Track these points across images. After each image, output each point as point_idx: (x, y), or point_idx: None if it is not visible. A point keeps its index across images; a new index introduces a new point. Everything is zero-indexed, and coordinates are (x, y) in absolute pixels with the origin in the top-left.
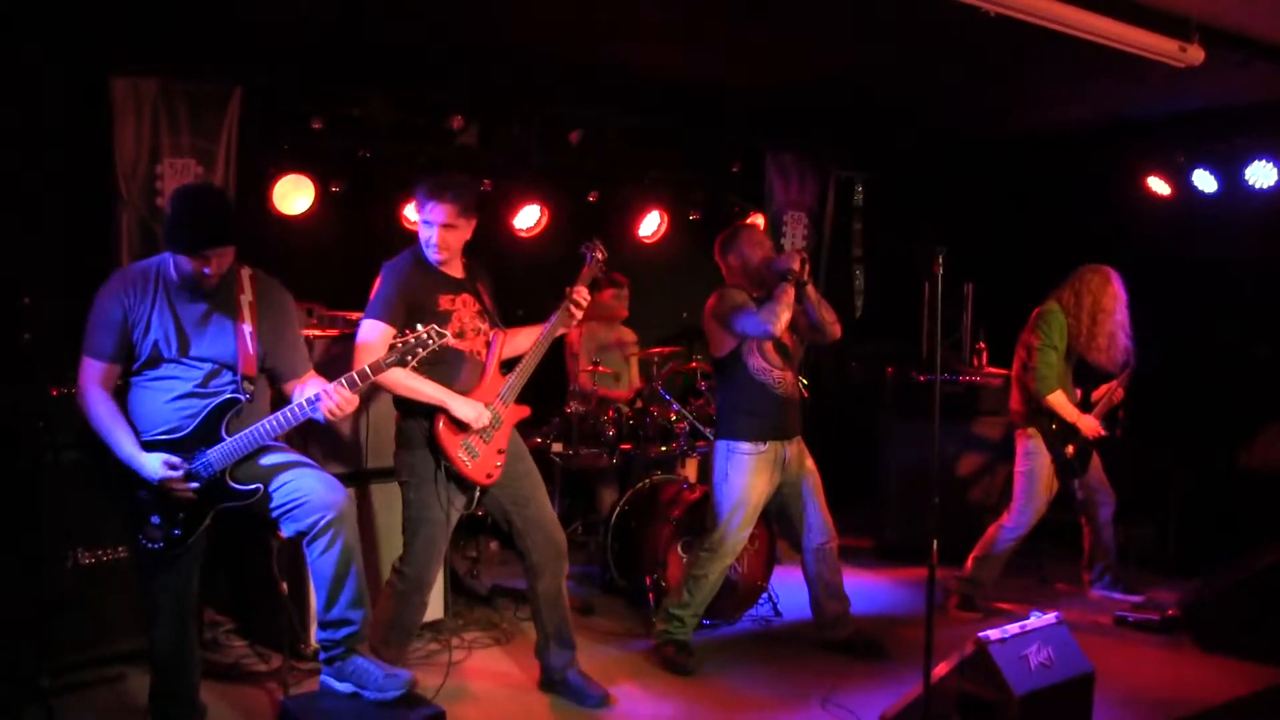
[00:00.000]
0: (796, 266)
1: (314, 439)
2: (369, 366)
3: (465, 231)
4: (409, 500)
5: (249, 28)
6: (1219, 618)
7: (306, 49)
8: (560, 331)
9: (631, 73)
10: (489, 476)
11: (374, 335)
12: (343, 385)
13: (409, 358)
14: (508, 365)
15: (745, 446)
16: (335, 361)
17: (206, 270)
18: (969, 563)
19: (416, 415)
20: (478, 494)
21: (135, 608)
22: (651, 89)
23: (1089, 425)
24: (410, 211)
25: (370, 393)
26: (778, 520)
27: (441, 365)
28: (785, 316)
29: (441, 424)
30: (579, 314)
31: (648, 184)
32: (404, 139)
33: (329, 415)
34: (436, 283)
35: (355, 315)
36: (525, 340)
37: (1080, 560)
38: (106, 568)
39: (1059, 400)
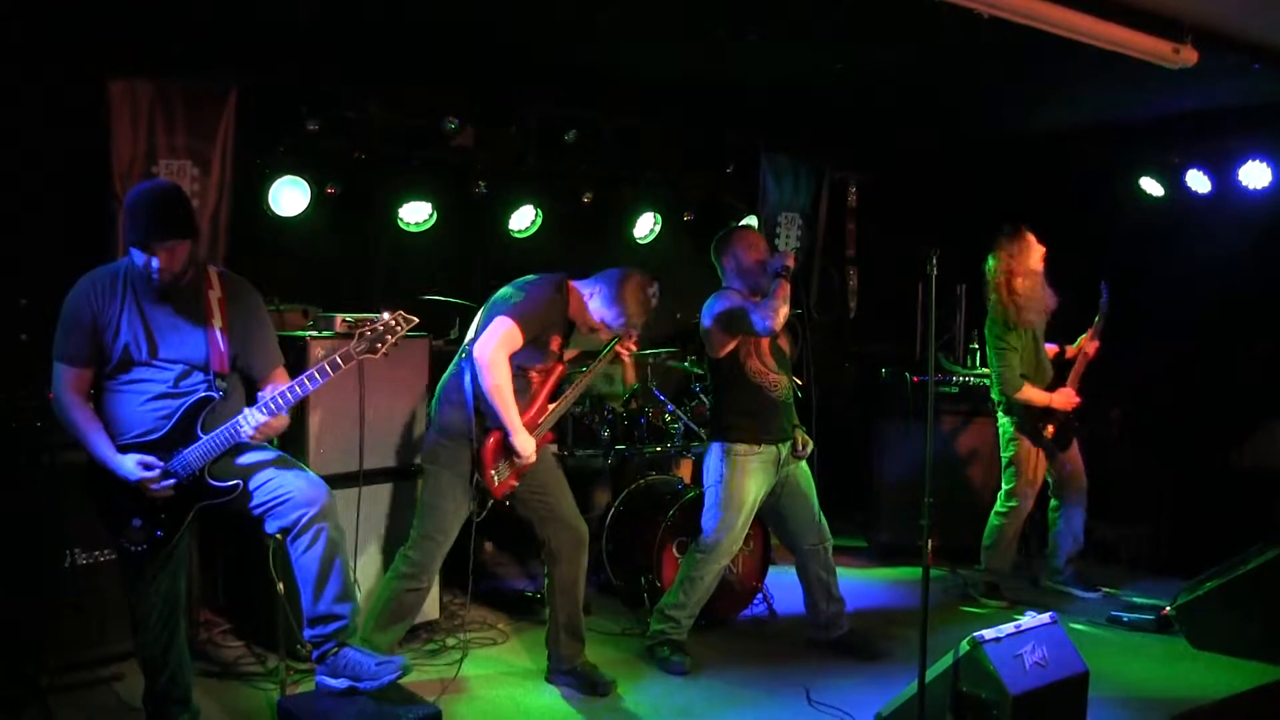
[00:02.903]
0: (791, 264)
1: (319, 439)
2: (339, 355)
3: None
4: (427, 486)
5: (245, 29)
6: (1212, 616)
7: (302, 50)
8: (599, 368)
9: (627, 74)
10: (505, 494)
11: (507, 334)
12: (325, 369)
13: (378, 345)
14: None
15: (741, 449)
16: None
17: (155, 263)
18: (981, 558)
19: (463, 413)
20: (489, 506)
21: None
22: (646, 90)
23: (1062, 401)
24: (407, 213)
25: (372, 392)
26: (772, 521)
27: (514, 387)
28: (783, 312)
29: (493, 441)
30: (624, 358)
31: (642, 185)
32: (399, 140)
33: (256, 437)
34: (562, 321)
35: (351, 317)
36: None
37: (1044, 548)
38: (104, 568)
39: (1030, 393)
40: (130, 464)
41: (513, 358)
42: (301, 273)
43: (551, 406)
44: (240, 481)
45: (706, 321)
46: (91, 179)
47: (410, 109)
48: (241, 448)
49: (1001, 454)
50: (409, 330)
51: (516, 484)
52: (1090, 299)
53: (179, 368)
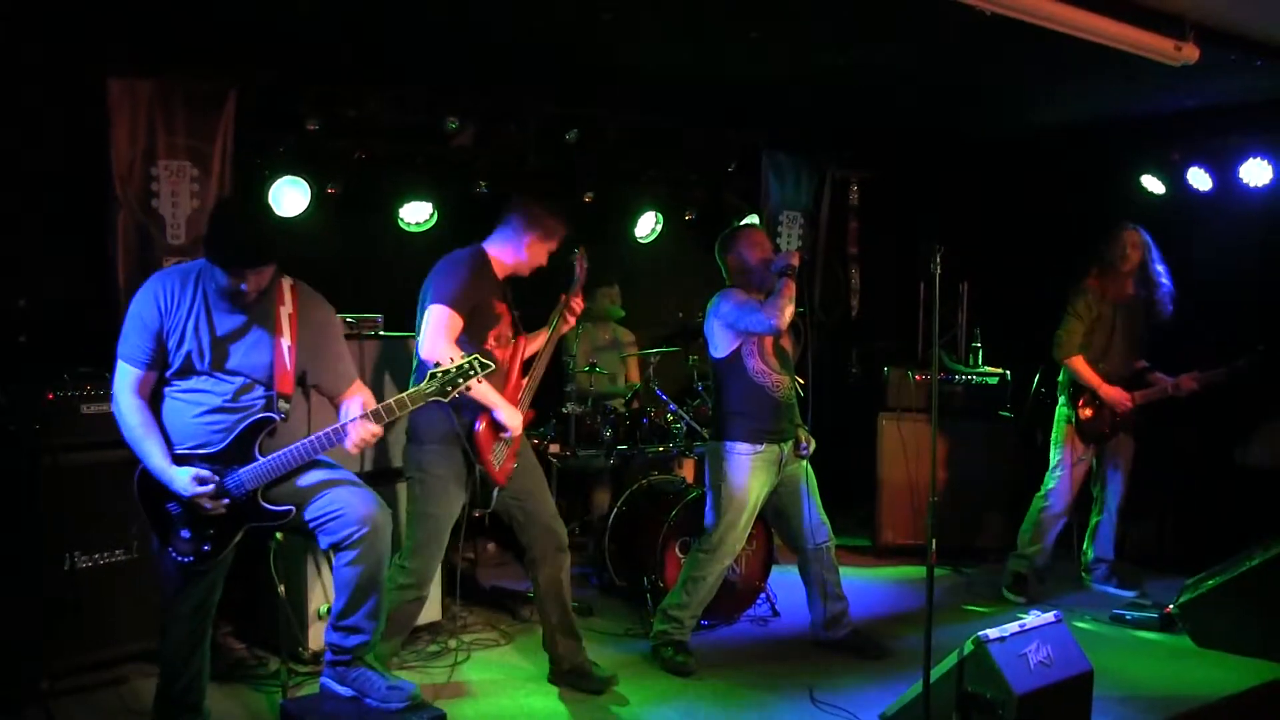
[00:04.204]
0: (796, 263)
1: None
2: (408, 395)
3: None
4: (415, 495)
5: (245, 28)
6: (1215, 614)
7: (302, 49)
8: (558, 336)
9: (628, 73)
10: (507, 477)
11: (445, 321)
12: (379, 414)
13: (450, 388)
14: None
15: (743, 447)
16: None
17: (244, 287)
18: (1018, 539)
19: (442, 410)
20: (495, 494)
21: (134, 610)
22: (648, 89)
23: (1110, 394)
24: (408, 213)
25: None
26: (775, 521)
27: None
28: (789, 311)
29: (483, 427)
30: (573, 320)
31: (644, 184)
32: (400, 140)
33: (354, 449)
34: (494, 286)
35: (352, 317)
36: (532, 345)
37: (1078, 549)
38: (104, 570)
39: (1078, 364)
40: (184, 480)
41: (467, 338)
42: (302, 273)
43: (525, 381)
44: (293, 507)
45: (711, 320)
46: (90, 180)
47: (411, 108)
48: (301, 467)
49: (1051, 436)
50: (477, 382)
51: (515, 465)
52: None
53: (240, 381)
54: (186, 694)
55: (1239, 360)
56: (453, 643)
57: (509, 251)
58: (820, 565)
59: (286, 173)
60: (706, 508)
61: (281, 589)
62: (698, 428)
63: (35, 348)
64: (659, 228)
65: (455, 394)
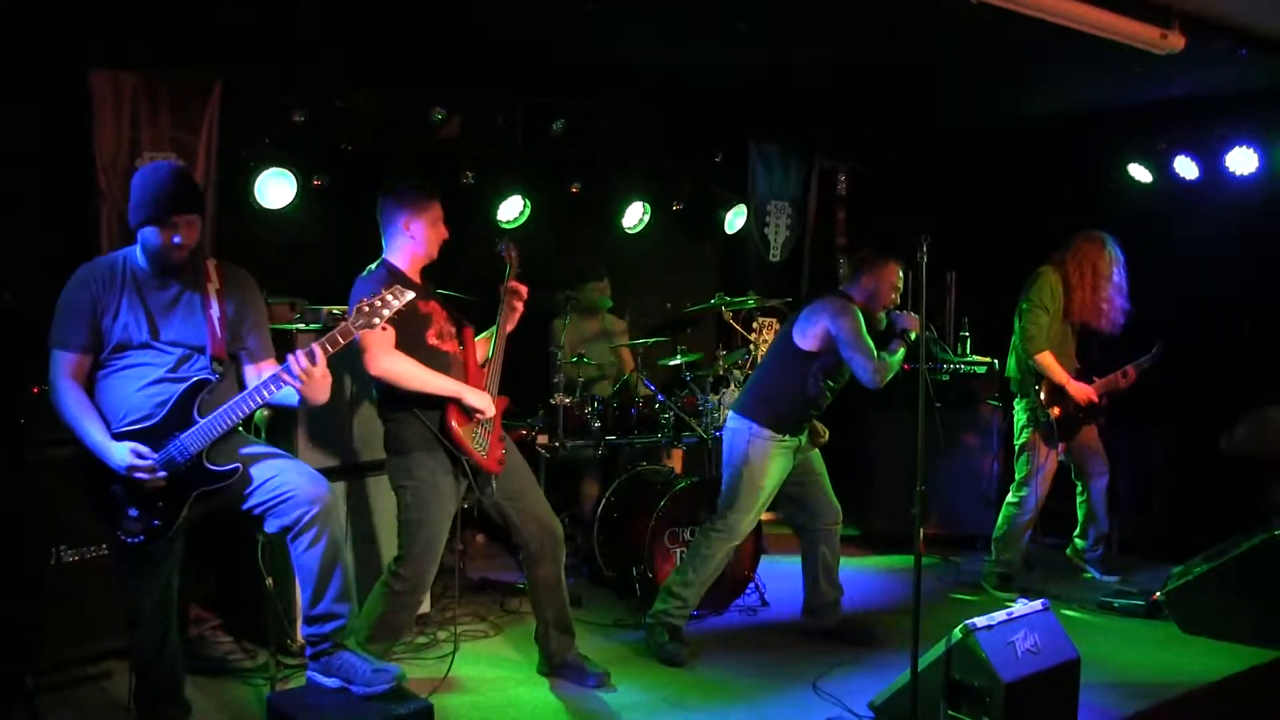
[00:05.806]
0: (914, 329)
1: (305, 432)
2: (338, 331)
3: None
4: (407, 504)
5: (230, 20)
6: (1201, 601)
7: (288, 41)
8: (510, 327)
9: (615, 64)
10: (500, 464)
11: (377, 338)
12: (314, 350)
13: (376, 319)
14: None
15: (769, 434)
16: None
17: (176, 239)
18: (992, 546)
19: (412, 416)
20: (494, 484)
21: (119, 606)
22: (635, 80)
23: (1078, 390)
24: None
25: (362, 387)
26: (787, 505)
27: (432, 367)
28: (890, 377)
29: (454, 418)
30: (520, 306)
31: (631, 174)
32: (386, 132)
33: (302, 379)
34: (412, 289)
35: (339, 308)
36: (483, 346)
37: (1073, 529)
38: (90, 565)
39: (1048, 360)
40: (122, 452)
41: (404, 345)
42: (288, 266)
43: (485, 369)
44: (240, 465)
45: (820, 317)
46: (73, 172)
47: (397, 100)
48: (241, 440)
49: (1015, 441)
50: (404, 303)
51: (504, 451)
52: None
53: (180, 351)
54: (163, 685)
55: (1154, 347)
56: (442, 634)
57: (403, 247)
58: (826, 547)
59: (272, 165)
60: (723, 486)
61: (269, 581)
62: (686, 418)
63: (19, 342)
64: (647, 218)
65: (383, 324)
